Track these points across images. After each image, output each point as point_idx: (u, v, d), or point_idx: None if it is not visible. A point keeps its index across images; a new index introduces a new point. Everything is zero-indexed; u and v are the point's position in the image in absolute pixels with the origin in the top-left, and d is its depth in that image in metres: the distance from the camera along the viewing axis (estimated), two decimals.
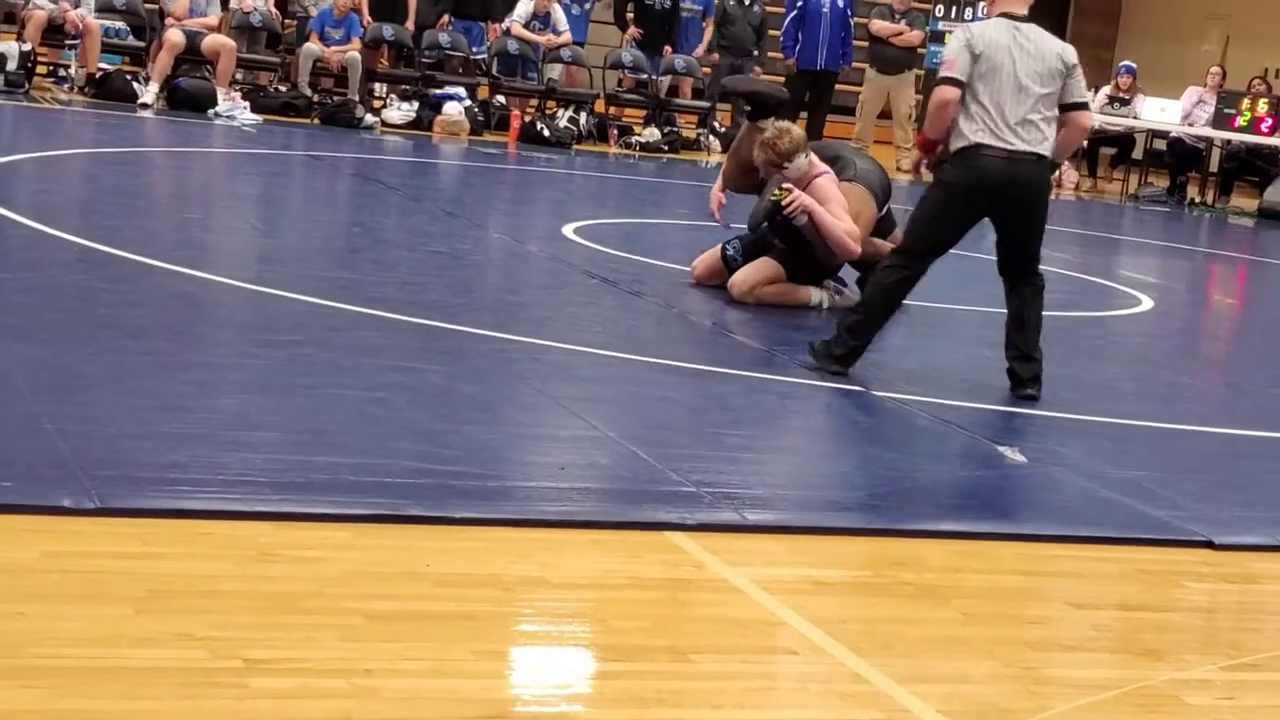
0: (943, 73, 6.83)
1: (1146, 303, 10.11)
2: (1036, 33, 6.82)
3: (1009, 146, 6.70)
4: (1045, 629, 4.33)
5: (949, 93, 6.74)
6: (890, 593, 4.48)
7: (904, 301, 7.11)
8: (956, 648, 4.15)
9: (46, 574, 3.80)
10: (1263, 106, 18.03)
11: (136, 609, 3.65)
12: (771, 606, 4.20)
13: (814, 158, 8.53)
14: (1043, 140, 6.74)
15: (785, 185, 8.29)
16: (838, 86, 18.40)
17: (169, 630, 3.55)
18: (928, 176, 8.22)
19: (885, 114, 18.28)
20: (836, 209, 8.30)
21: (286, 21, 17.23)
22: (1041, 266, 7.02)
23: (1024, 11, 6.87)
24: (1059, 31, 22.96)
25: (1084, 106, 6.94)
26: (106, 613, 3.61)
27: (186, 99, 15.46)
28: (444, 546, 4.34)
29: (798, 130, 8.66)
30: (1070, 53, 6.83)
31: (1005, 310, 7.03)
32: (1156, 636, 4.41)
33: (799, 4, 17.77)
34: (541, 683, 3.67)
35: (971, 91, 6.72)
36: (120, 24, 16.18)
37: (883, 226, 8.89)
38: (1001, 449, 5.94)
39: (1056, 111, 6.79)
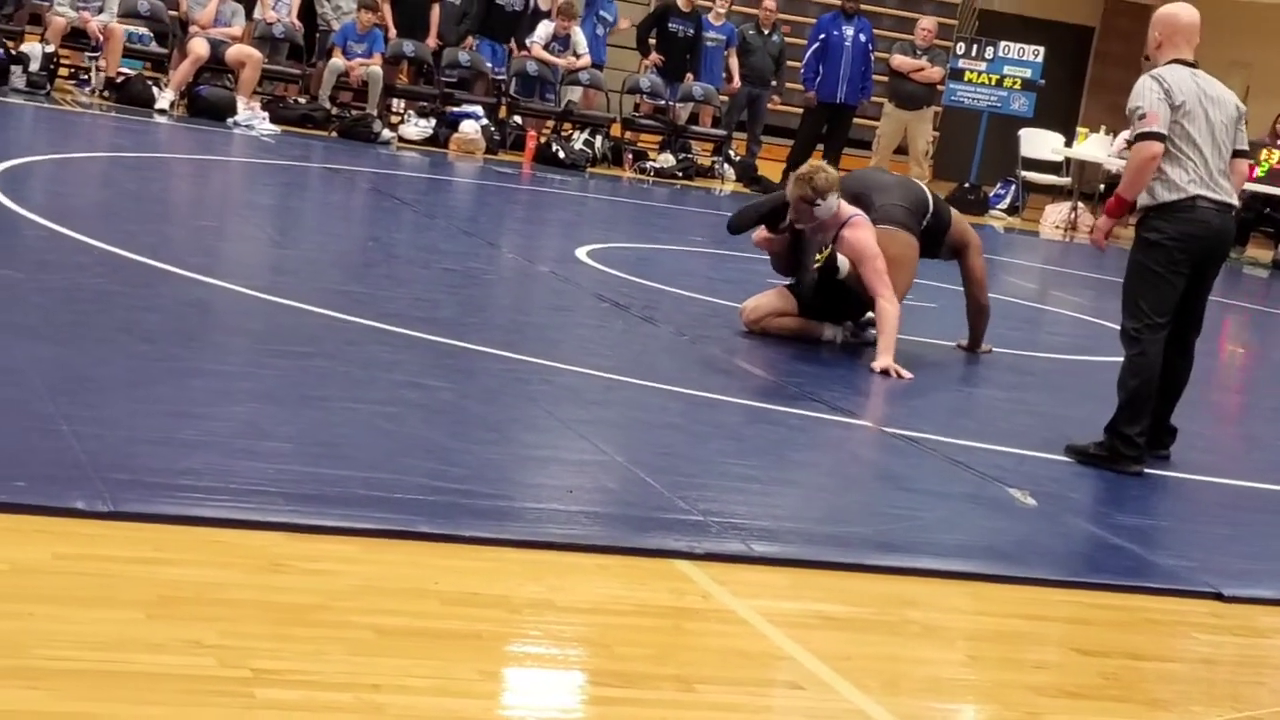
0: (1144, 127, 6.45)
1: None
2: (1209, 79, 6.59)
3: (1219, 198, 6.48)
4: (1050, 674, 4.32)
5: (1154, 148, 6.43)
6: (896, 631, 4.48)
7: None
8: (961, 689, 4.15)
9: (57, 575, 3.80)
10: None
11: (146, 614, 3.65)
12: (777, 639, 4.19)
13: (842, 202, 8.35)
14: (1231, 191, 6.55)
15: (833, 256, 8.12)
16: (855, 120, 18.44)
17: (178, 636, 3.55)
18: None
19: (902, 149, 18.31)
20: (875, 266, 8.06)
21: (312, 34, 17.21)
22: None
23: (1192, 58, 6.61)
24: (1079, 77, 23.14)
25: (1248, 154, 6.74)
26: (116, 616, 3.61)
27: (206, 107, 15.49)
28: (452, 565, 4.34)
29: (833, 171, 8.30)
30: (1238, 99, 6.66)
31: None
32: (1162, 686, 4.40)
33: (821, 37, 17.81)
34: (545, 706, 3.67)
35: (1175, 142, 6.45)
36: (144, 30, 16.23)
37: (935, 235, 8.57)
38: (1011, 491, 5.93)
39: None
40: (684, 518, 5.02)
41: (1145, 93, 6.50)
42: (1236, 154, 6.64)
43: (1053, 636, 4.66)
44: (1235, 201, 6.61)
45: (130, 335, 6.23)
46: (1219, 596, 5.11)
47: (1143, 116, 6.48)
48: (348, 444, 5.23)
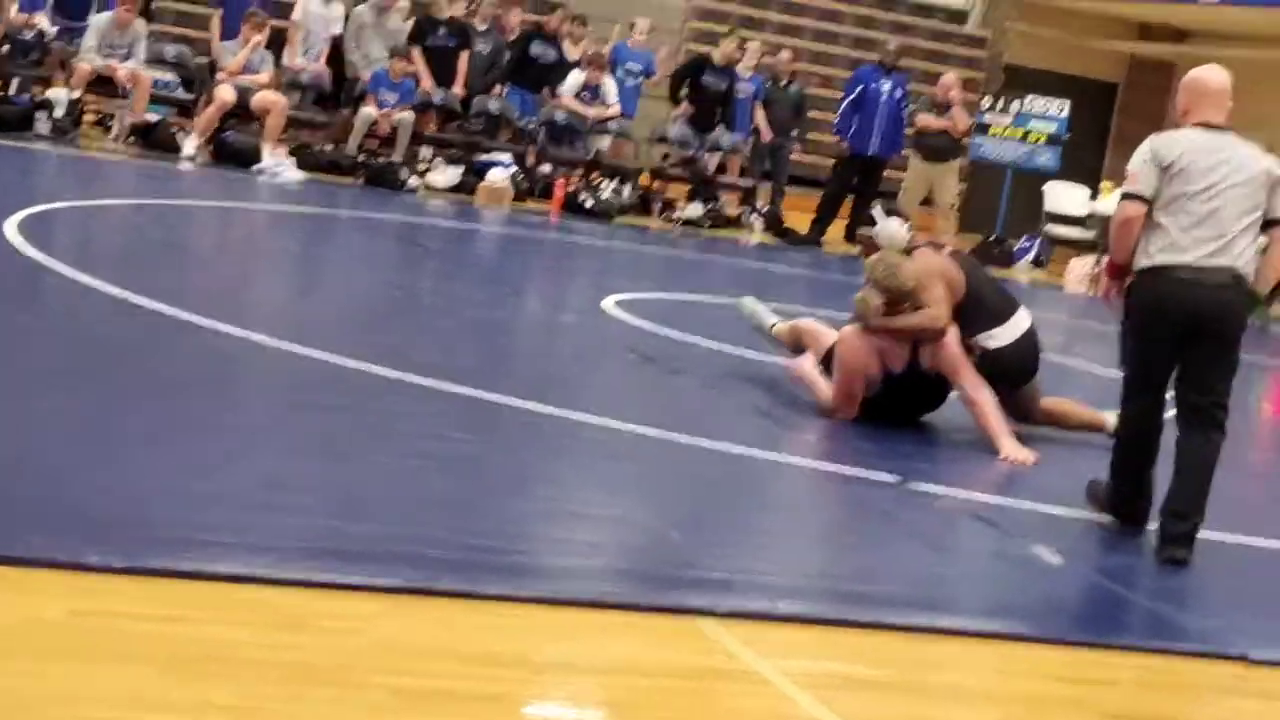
0: (1125, 188, 6.30)
1: None
2: (1233, 141, 6.30)
3: (1206, 264, 6.14)
4: None
5: (1131, 209, 6.23)
6: (923, 693, 4.41)
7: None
8: None
9: (71, 632, 3.75)
10: None
11: (159, 671, 3.60)
12: (804, 702, 4.12)
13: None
14: (1239, 259, 6.18)
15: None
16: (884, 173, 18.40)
17: (190, 696, 3.50)
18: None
19: (928, 201, 18.26)
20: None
21: (340, 80, 17.20)
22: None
23: (1221, 120, 6.32)
24: (1103, 132, 23.06)
25: None
26: (129, 674, 3.56)
27: (232, 154, 15.50)
28: (473, 621, 4.29)
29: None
30: (1277, 165, 6.31)
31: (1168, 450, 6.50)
32: None
33: (859, 88, 17.80)
34: None
35: (1160, 206, 6.21)
36: (171, 76, 16.26)
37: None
38: (1037, 550, 5.85)
39: (1258, 229, 6.22)
40: (708, 575, 4.96)
41: (1136, 154, 6.34)
42: (1271, 223, 6.27)
43: (1080, 699, 4.58)
44: (1237, 270, 6.18)
45: (150, 387, 6.19)
46: (1245, 659, 5.02)
47: (1127, 177, 6.36)
48: (369, 499, 5.18)
